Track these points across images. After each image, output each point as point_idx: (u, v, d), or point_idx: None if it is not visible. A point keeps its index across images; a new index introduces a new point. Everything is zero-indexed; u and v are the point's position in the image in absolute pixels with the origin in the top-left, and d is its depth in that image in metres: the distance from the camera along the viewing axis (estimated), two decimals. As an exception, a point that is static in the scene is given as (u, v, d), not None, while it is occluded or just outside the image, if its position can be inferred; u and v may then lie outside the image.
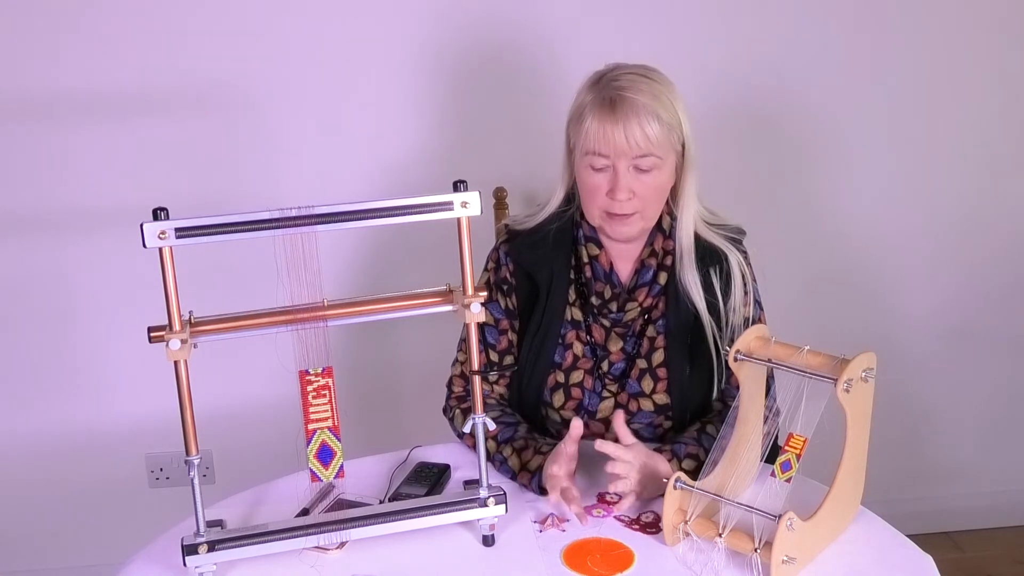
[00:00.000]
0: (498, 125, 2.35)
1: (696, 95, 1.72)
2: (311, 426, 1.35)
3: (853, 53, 2.40)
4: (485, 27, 2.30)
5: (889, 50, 2.41)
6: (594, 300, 1.70)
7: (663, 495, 1.39)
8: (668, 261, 1.68)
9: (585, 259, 1.70)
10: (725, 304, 1.66)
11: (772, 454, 1.40)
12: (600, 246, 1.69)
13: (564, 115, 1.67)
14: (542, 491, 1.54)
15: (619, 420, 1.55)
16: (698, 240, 1.67)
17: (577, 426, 1.52)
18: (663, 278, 1.68)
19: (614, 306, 1.69)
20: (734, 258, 1.67)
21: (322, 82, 2.29)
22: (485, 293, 1.37)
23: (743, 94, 2.39)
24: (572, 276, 1.72)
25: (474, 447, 1.44)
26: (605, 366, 1.70)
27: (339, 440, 1.36)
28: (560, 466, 1.50)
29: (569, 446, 1.52)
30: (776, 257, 1.92)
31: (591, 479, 1.57)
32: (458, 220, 1.34)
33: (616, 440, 1.54)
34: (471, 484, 1.43)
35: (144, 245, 1.23)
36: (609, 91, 1.59)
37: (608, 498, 1.51)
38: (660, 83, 1.61)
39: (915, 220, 2.53)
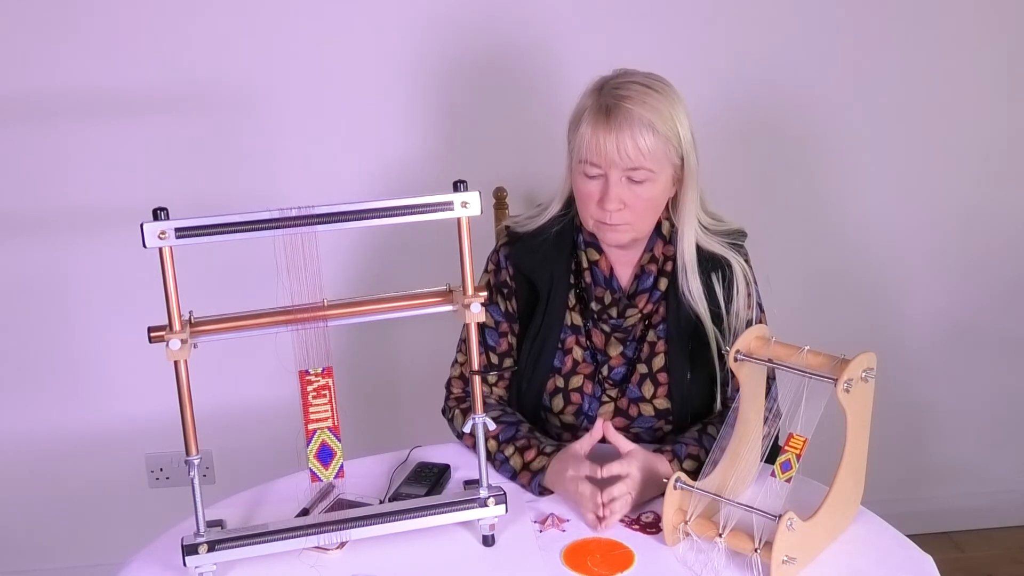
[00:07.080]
0: (498, 125, 2.34)
1: (698, 96, 1.72)
2: (311, 426, 1.35)
3: (854, 54, 2.40)
4: (485, 28, 2.29)
5: (891, 51, 2.41)
6: (594, 305, 1.69)
7: (663, 495, 1.39)
8: (668, 267, 1.68)
9: (585, 264, 1.69)
10: (728, 309, 1.66)
11: (772, 454, 1.40)
12: (600, 251, 1.69)
13: (564, 116, 1.66)
14: (542, 492, 1.55)
15: (612, 431, 1.53)
16: (699, 250, 1.66)
17: (598, 426, 1.52)
18: (663, 284, 1.68)
19: (614, 312, 1.69)
20: (738, 265, 1.66)
21: (322, 82, 2.29)
22: (485, 293, 1.37)
23: (745, 95, 2.38)
24: (572, 281, 1.71)
25: (474, 447, 1.44)
26: (605, 371, 1.70)
27: (339, 440, 1.36)
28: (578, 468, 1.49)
29: (584, 445, 1.52)
30: (777, 257, 1.92)
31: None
32: (458, 220, 1.34)
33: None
34: (471, 484, 1.43)
35: (144, 245, 1.24)
36: (608, 99, 1.56)
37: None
38: (662, 94, 1.58)
39: (916, 220, 2.53)
